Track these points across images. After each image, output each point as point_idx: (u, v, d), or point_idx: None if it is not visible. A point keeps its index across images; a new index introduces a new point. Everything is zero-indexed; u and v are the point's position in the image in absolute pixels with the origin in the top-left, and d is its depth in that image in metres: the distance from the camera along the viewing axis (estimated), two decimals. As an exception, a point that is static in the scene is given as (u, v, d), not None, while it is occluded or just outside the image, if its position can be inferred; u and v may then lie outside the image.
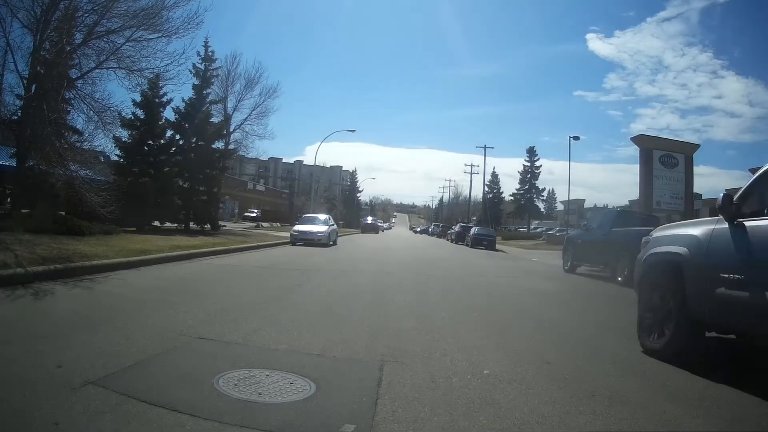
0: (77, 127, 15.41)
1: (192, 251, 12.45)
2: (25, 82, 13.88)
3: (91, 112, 13.82)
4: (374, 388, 3.19)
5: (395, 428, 2.60)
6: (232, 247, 15.32)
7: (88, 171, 14.72)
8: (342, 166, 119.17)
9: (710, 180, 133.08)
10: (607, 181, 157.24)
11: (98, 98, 13.64)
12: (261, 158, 50.46)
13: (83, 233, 12.61)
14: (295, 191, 77.48)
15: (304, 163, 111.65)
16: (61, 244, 10.03)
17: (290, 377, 3.27)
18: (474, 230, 35.38)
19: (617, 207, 45.79)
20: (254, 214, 51.28)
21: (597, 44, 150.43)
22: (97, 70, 13.33)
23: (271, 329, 4.79)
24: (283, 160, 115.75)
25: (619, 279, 12.47)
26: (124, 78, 12.93)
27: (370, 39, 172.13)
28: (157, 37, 12.72)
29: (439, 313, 6.39)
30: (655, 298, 4.89)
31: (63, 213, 14.54)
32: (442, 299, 7.71)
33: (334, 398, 2.99)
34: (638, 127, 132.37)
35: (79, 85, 13.64)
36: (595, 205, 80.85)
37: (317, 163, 54.60)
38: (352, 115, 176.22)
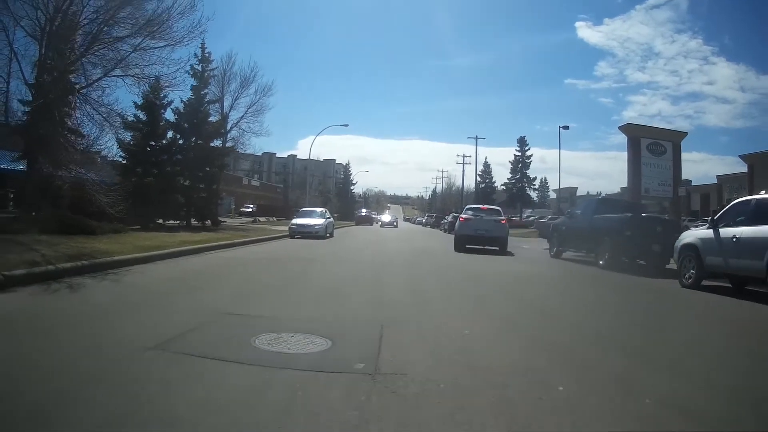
0: (84, 131, 16.07)
1: (199, 246, 13.23)
2: (32, 89, 14.49)
3: (99, 116, 14.51)
4: (377, 342, 4.08)
5: (394, 366, 3.48)
6: (236, 241, 16.10)
7: (97, 173, 15.44)
8: (335, 159, 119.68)
9: (703, 166, 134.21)
10: (600, 168, 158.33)
11: (105, 103, 14.34)
12: (255, 154, 51.02)
13: (95, 232, 13.26)
14: (289, 185, 78.14)
15: (297, 157, 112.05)
16: (78, 243, 10.70)
17: (311, 337, 4.14)
18: None
19: (600, 194, 46.67)
20: (250, 209, 51.79)
21: (586, 32, 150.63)
22: (104, 78, 13.96)
23: (288, 306, 5.67)
24: (276, 155, 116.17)
25: (601, 263, 13.29)
26: (132, 85, 13.61)
27: (358, 31, 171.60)
28: (163, 46, 13.42)
29: (431, 291, 7.31)
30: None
31: (69, 214, 15.14)
32: (434, 281, 8.61)
33: (347, 349, 3.87)
34: (630, 114, 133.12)
35: (86, 92, 14.29)
36: (588, 192, 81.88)
37: (311, 157, 55.15)
38: (343, 108, 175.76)
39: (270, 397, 2.85)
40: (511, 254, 16.67)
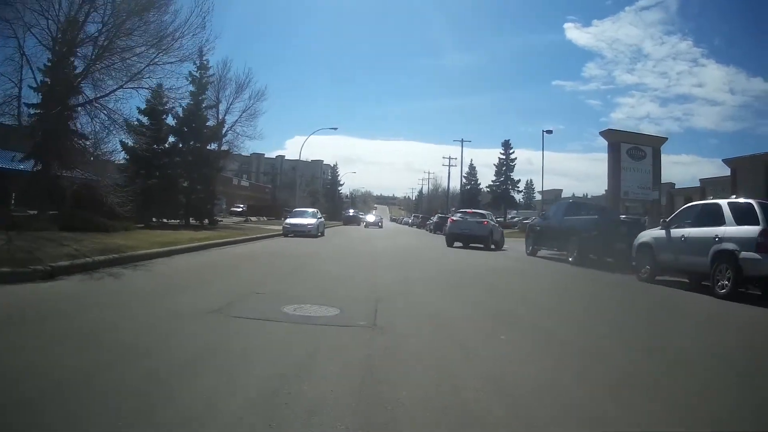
0: (92, 135, 17.12)
1: (207, 242, 14.49)
2: (43, 94, 15.51)
3: (109, 121, 15.66)
4: (373, 311, 5.54)
5: (387, 323, 4.95)
6: (237, 238, 17.38)
7: (103, 175, 16.60)
8: (323, 160, 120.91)
9: (691, 168, 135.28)
10: (588, 170, 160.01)
11: (114, 109, 15.51)
12: (244, 154, 51.99)
13: (108, 230, 14.35)
14: (277, 185, 79.20)
15: (286, 157, 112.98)
16: (98, 239, 11.77)
17: (324, 307, 5.57)
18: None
19: (586, 196, 48.53)
20: (240, 209, 52.75)
21: (575, 33, 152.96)
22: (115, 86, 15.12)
23: (300, 288, 7.09)
24: (265, 155, 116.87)
25: (570, 260, 14.76)
26: (146, 96, 14.83)
27: (346, 31, 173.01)
28: (174, 61, 14.71)
29: (415, 281, 8.76)
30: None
31: (84, 213, 16.17)
32: (419, 274, 10.09)
33: (352, 314, 5.31)
34: (618, 116, 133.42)
35: (99, 100, 15.43)
36: (573, 194, 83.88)
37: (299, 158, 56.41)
38: (330, 108, 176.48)
39: (303, 338, 4.27)
40: (492, 251, 18.31)
